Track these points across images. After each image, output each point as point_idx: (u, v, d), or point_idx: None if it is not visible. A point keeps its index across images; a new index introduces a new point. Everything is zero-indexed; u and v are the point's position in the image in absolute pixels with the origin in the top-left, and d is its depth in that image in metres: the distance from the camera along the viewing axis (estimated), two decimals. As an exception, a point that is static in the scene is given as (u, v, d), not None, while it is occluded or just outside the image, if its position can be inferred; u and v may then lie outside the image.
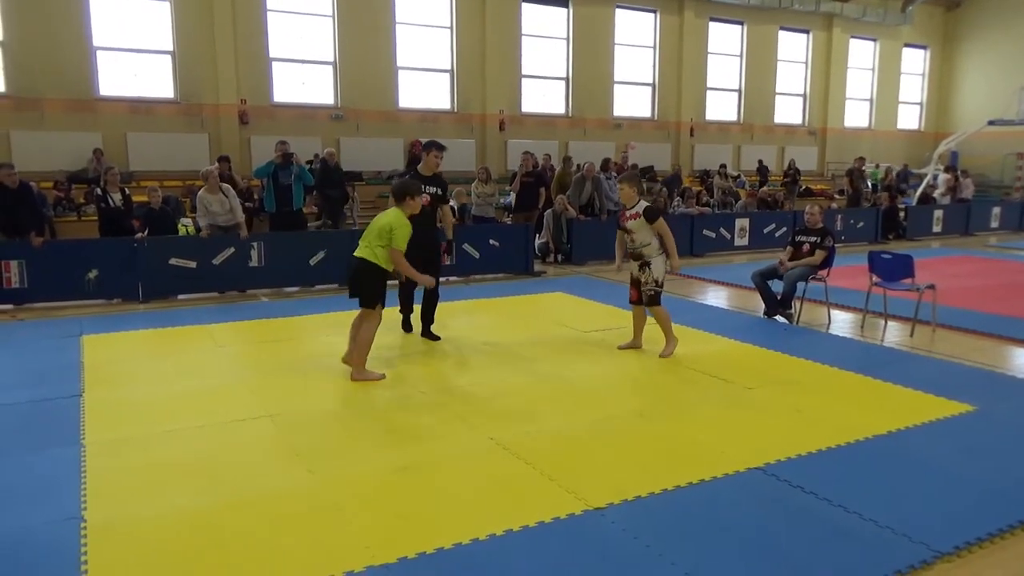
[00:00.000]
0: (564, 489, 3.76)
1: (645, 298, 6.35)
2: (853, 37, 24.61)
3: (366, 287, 5.55)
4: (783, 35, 23.33)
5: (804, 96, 24.28)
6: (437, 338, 6.85)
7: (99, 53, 14.78)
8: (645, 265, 6.32)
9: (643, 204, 6.33)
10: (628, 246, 6.42)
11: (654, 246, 6.32)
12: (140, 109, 15.19)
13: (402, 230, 5.47)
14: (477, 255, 10.68)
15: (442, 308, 8.52)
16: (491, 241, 10.83)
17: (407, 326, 7.09)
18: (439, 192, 6.75)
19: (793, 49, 23.78)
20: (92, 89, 14.77)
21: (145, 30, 15.15)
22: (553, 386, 5.61)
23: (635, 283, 6.44)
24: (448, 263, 6.73)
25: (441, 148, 6.81)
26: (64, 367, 5.98)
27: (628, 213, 6.34)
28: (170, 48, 15.36)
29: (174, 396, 5.27)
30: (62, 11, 14.23)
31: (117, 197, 9.40)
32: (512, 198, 12.86)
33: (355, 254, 5.56)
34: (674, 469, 4.00)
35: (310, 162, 13.49)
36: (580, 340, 6.98)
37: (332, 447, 4.35)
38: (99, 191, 9.52)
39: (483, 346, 6.79)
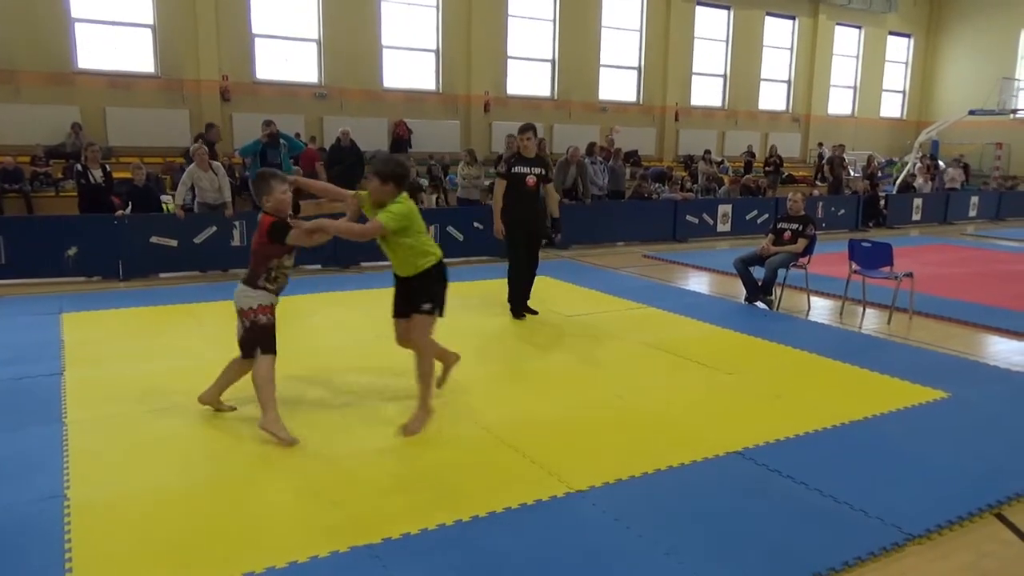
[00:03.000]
0: (546, 472, 3.81)
1: None
2: (839, 24, 24.68)
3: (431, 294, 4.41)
4: (769, 21, 23.35)
5: (789, 82, 24.36)
6: (535, 312, 7.20)
7: (77, 25, 14.49)
8: None
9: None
10: None
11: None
12: (119, 83, 14.93)
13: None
14: (461, 238, 10.68)
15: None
16: (475, 224, 10.81)
17: (519, 313, 7.20)
18: (543, 172, 6.95)
19: (779, 35, 23.81)
20: (70, 62, 14.48)
21: (125, 2, 14.86)
22: (535, 370, 5.66)
23: None
24: (557, 241, 7.23)
25: (531, 129, 6.98)
26: (44, 345, 5.93)
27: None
28: (151, 22, 15.08)
29: (155, 375, 5.26)
30: (39, -19, 13.93)
31: (98, 173, 9.29)
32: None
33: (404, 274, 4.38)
34: (654, 453, 4.06)
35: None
36: (563, 324, 7.03)
37: (313, 427, 4.36)
38: (79, 167, 9.40)
39: (467, 329, 6.81)
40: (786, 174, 20.15)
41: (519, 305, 7.20)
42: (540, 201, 7.03)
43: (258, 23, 16.07)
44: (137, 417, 4.48)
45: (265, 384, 4.14)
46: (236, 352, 4.38)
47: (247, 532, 3.20)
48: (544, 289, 8.04)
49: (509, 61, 19.18)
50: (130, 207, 9.33)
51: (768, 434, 4.34)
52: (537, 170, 6.90)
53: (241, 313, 4.24)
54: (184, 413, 4.55)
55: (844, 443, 4.30)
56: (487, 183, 13.21)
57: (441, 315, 4.44)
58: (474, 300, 7.89)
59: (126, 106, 14.89)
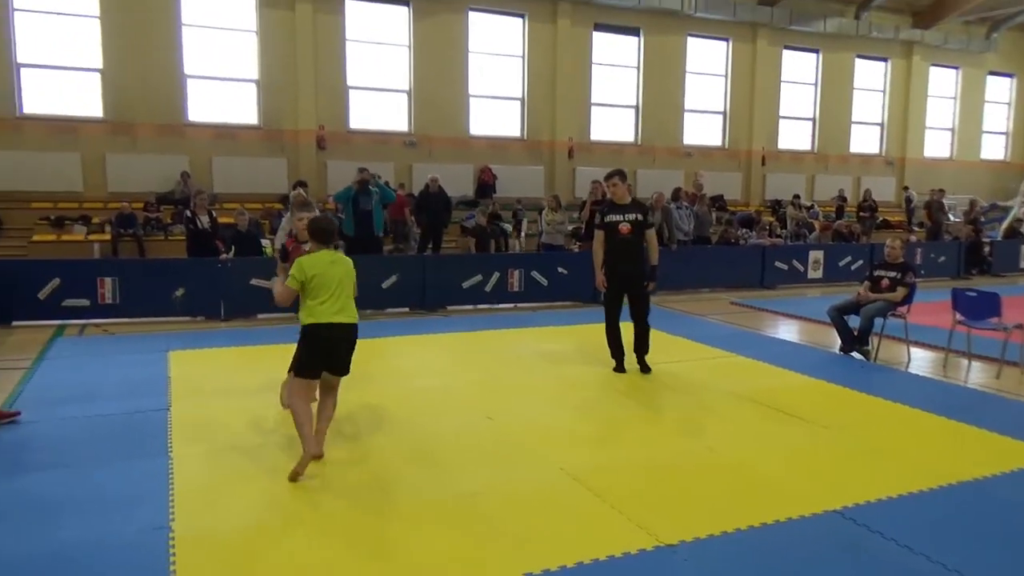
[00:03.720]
0: (635, 523, 3.75)
1: None
2: (934, 65, 23.90)
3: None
4: (860, 63, 22.84)
5: (881, 125, 23.66)
6: (648, 369, 6.80)
7: (189, 81, 15.57)
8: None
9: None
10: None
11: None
12: (225, 134, 15.89)
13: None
14: (545, 282, 10.75)
15: (511, 335, 8.62)
16: (559, 269, 10.88)
17: (621, 368, 6.93)
18: (638, 217, 6.62)
19: (870, 77, 23.23)
20: (181, 115, 15.54)
21: (233, 59, 15.89)
22: (619, 417, 5.61)
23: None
24: (652, 290, 6.75)
25: (617, 175, 6.75)
26: (152, 381, 6.28)
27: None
28: (255, 76, 16.06)
29: (255, 411, 5.47)
30: (157, 41, 15.06)
31: (205, 219, 9.86)
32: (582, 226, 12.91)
33: (348, 321, 4.43)
34: (748, 507, 3.94)
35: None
36: (648, 372, 6.93)
37: (403, 467, 4.43)
38: (188, 213, 10.01)
39: (551, 375, 6.82)
40: (880, 219, 19.47)
41: (621, 357, 6.91)
42: (639, 248, 6.64)
43: (353, 76, 16.86)
44: (238, 452, 4.67)
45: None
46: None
47: (338, 571, 3.27)
48: (629, 335, 7.97)
49: (593, 108, 19.40)
50: (233, 251, 9.83)
51: (868, 492, 4.14)
52: (631, 216, 6.60)
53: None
54: (281, 451, 4.70)
55: (952, 505, 4.06)
56: (571, 228, 13.32)
57: (298, 375, 4.50)
58: (558, 345, 7.91)
59: (230, 155, 15.81)
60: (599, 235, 6.79)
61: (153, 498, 3.97)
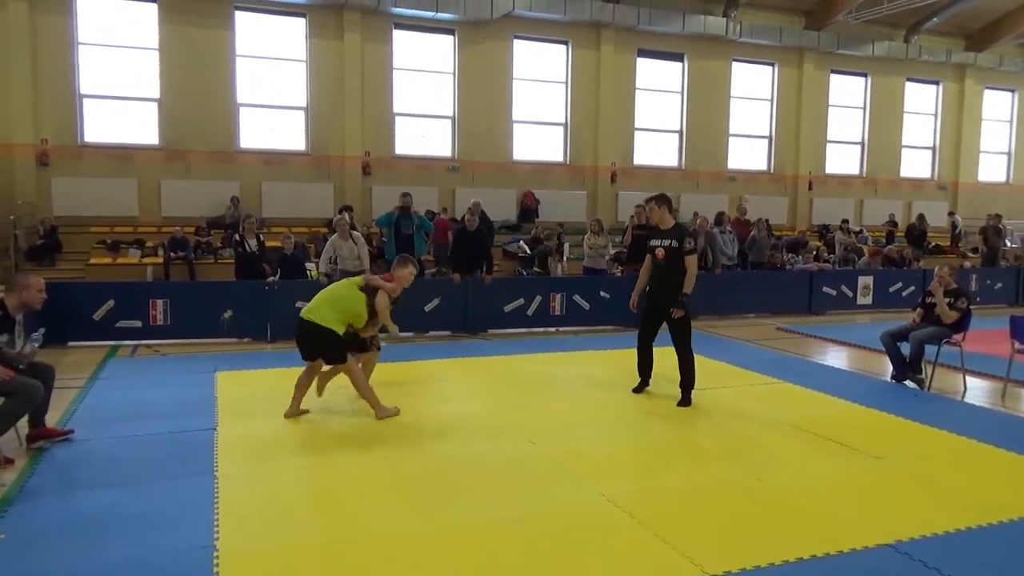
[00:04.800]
0: (679, 552, 3.67)
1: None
2: (988, 88, 23.35)
3: (327, 347, 5.86)
4: (910, 86, 22.43)
5: (933, 149, 23.14)
6: (685, 403, 6.52)
7: (241, 109, 16.03)
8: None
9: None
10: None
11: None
12: (274, 160, 16.29)
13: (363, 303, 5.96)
14: (587, 306, 10.70)
15: (553, 359, 8.59)
16: (602, 293, 10.83)
17: (639, 388, 6.94)
18: (673, 244, 6.56)
19: (921, 100, 22.78)
20: (233, 142, 15.99)
21: (283, 88, 16.33)
22: (662, 444, 5.52)
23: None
24: (680, 316, 6.51)
25: (655, 199, 6.81)
26: (200, 400, 6.40)
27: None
28: (304, 104, 16.46)
29: (297, 433, 5.54)
30: (212, 71, 15.58)
31: (253, 243, 10.09)
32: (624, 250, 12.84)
33: (306, 317, 5.83)
34: (796, 539, 3.83)
35: (427, 213, 14.01)
36: (692, 397, 6.81)
37: (446, 491, 4.43)
38: (237, 237, 10.24)
39: (592, 399, 6.76)
40: (932, 244, 18.96)
41: (642, 379, 6.94)
42: (674, 273, 6.53)
43: (399, 103, 17.17)
44: (282, 473, 4.72)
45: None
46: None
47: (380, 594, 3.26)
48: (669, 360, 7.87)
49: (636, 132, 19.40)
50: (279, 273, 10.01)
51: (923, 527, 3.99)
52: (667, 242, 6.59)
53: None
54: (326, 472, 4.74)
55: (1013, 541, 3.88)
56: (613, 252, 13.26)
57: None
58: (600, 370, 7.84)
59: (279, 180, 16.19)
60: (647, 259, 6.88)
61: (199, 516, 4.02)
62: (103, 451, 5.11)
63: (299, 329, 5.89)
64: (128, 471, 4.72)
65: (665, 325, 6.67)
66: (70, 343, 8.80)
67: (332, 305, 5.85)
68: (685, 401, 6.54)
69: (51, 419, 5.43)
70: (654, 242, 6.72)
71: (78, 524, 3.92)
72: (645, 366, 6.94)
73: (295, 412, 5.95)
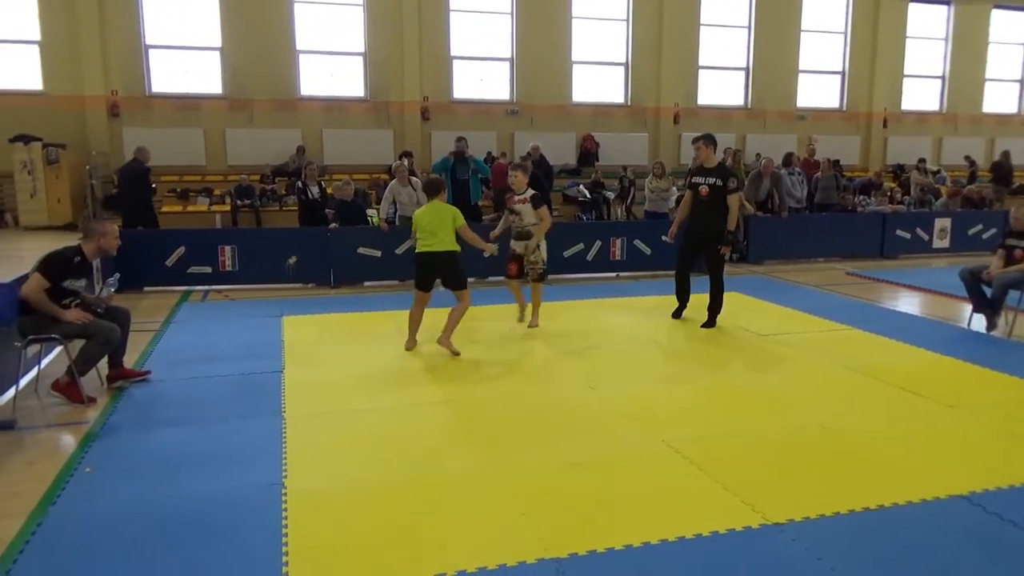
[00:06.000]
0: (740, 500, 3.62)
1: (533, 274, 7.06)
2: (1088, 13, 21.62)
3: (460, 274, 6.29)
4: (997, 14, 20.92)
5: (1022, 81, 21.67)
6: (710, 325, 7.17)
7: (301, 56, 16.07)
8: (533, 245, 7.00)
9: (530, 192, 7.06)
10: (515, 225, 7.10)
11: (539, 228, 6.98)
12: (335, 107, 16.35)
13: (458, 213, 6.31)
14: (649, 251, 10.53)
15: (613, 304, 8.52)
16: (663, 237, 10.59)
17: (677, 314, 7.55)
18: (717, 182, 6.95)
19: (1009, 30, 21.24)
20: (294, 90, 16.09)
21: (341, 33, 16.28)
22: (727, 390, 5.43)
23: (517, 259, 7.10)
24: (727, 256, 7.24)
25: (703, 139, 7.14)
26: (268, 344, 6.59)
27: (517, 198, 7.06)
28: (362, 50, 16.39)
29: (362, 377, 5.65)
30: (271, 18, 15.62)
31: (315, 190, 10.20)
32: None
33: (436, 249, 6.14)
34: (863, 489, 3.73)
35: (487, 157, 13.93)
36: (756, 343, 6.69)
37: (507, 435, 4.48)
38: (300, 184, 10.37)
39: (655, 345, 6.70)
40: (1017, 184, 17.91)
41: (680, 304, 7.51)
42: (716, 211, 6.96)
43: (456, 46, 16.92)
44: (346, 415, 4.84)
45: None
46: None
47: (441, 533, 3.33)
48: (735, 305, 7.72)
49: (700, 71, 18.72)
50: (340, 221, 10.13)
51: (1001, 478, 3.84)
52: (711, 180, 6.95)
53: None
54: (388, 415, 4.84)
55: (1098, 496, 3.71)
56: (676, 195, 12.95)
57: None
58: (661, 316, 7.74)
59: (339, 127, 16.27)
60: (687, 194, 7.37)
61: (268, 456, 4.17)
62: (178, 391, 5.33)
63: (427, 265, 6.21)
64: (201, 411, 4.91)
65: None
66: (145, 288, 9.14)
67: (444, 227, 6.16)
68: (710, 323, 7.19)
69: (129, 360, 5.69)
70: (698, 179, 7.11)
71: (155, 460, 4.11)
72: (683, 293, 7.51)
73: (413, 344, 6.42)
